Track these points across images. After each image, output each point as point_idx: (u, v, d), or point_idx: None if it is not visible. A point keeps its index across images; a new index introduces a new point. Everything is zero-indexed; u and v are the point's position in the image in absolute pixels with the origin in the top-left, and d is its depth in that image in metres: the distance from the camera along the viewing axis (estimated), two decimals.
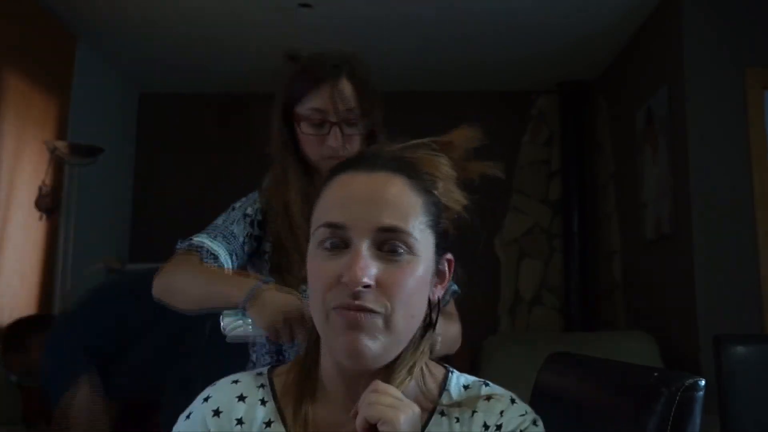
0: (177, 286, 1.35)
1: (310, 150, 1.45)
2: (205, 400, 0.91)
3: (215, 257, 1.36)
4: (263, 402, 0.90)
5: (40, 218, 3.75)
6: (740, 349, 2.00)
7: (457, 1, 3.77)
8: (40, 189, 3.73)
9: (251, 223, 1.46)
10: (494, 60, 4.57)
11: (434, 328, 0.92)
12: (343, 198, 0.85)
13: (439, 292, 0.90)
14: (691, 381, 0.86)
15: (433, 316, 0.91)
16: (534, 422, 0.88)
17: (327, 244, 0.83)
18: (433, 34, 4.16)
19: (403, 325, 0.83)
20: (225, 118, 5.12)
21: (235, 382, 0.92)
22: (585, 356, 1.17)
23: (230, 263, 1.38)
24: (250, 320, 1.18)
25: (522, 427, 0.86)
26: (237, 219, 1.45)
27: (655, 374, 0.91)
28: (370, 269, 0.80)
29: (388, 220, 0.82)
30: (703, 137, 3.36)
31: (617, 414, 0.96)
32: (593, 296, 4.77)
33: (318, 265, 0.84)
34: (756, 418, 1.94)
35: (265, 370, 0.95)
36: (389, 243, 0.82)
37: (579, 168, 4.87)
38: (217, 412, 0.89)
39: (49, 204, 3.75)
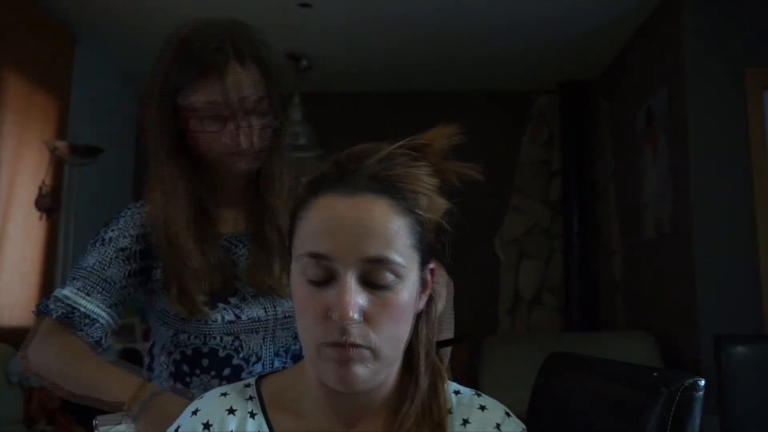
0: (52, 370, 1.20)
1: (206, 148, 1.22)
2: (194, 413, 0.89)
3: (92, 321, 1.19)
4: (252, 415, 0.89)
5: (40, 218, 3.75)
6: (740, 349, 2.00)
7: (457, 1, 3.77)
8: (40, 189, 3.73)
9: (129, 258, 1.24)
10: (494, 60, 4.57)
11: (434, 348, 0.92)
12: (325, 227, 0.82)
13: (422, 303, 0.89)
14: (691, 381, 0.86)
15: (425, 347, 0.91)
16: None
17: (312, 276, 0.82)
18: (434, 34, 4.16)
19: (391, 352, 0.84)
20: None
21: (224, 395, 0.91)
22: (585, 356, 1.17)
23: (112, 321, 1.22)
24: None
25: None
26: (111, 259, 1.22)
27: (655, 374, 0.91)
28: (357, 304, 0.80)
29: (375, 251, 0.80)
30: (703, 137, 3.36)
31: (617, 414, 0.96)
32: (593, 296, 4.77)
33: (305, 298, 0.83)
34: (756, 418, 1.94)
35: (252, 380, 0.94)
36: (376, 273, 0.80)
37: (579, 168, 4.87)
38: (207, 426, 0.88)
39: (49, 204, 3.75)
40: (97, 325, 1.20)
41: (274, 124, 1.24)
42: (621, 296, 4.40)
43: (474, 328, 4.46)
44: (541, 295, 4.99)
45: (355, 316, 0.79)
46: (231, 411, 0.89)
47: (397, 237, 0.81)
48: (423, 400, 0.88)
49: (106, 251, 1.23)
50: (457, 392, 0.94)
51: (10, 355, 3.09)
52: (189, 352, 1.25)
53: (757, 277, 3.23)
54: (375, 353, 0.81)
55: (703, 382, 0.86)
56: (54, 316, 1.20)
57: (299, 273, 0.84)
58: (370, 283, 0.81)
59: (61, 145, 3.77)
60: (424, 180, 0.86)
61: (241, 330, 1.25)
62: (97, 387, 1.12)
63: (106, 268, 1.22)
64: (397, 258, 0.81)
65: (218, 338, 1.24)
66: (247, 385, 0.93)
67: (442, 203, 0.88)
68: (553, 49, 4.36)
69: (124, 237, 1.25)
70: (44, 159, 3.77)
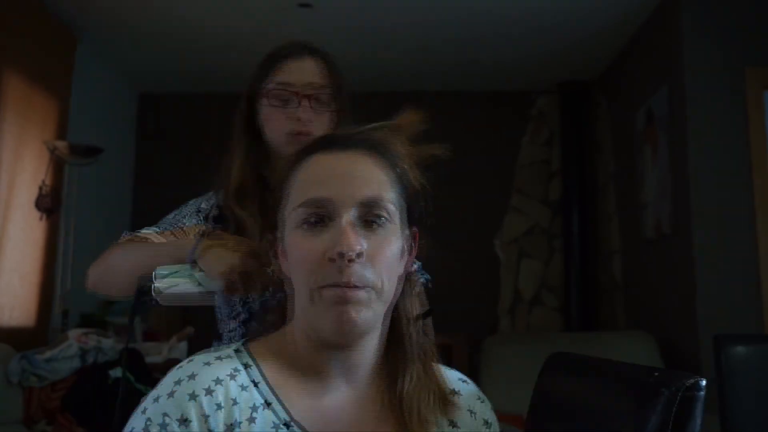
0: (113, 263, 1.25)
1: (276, 126, 1.36)
2: (191, 377, 0.82)
3: None
4: (255, 384, 0.85)
5: (40, 218, 3.75)
6: (740, 349, 2.00)
7: (457, 1, 3.77)
8: (40, 189, 3.73)
9: (206, 218, 1.37)
10: (494, 60, 4.57)
11: (424, 316, 0.97)
12: (322, 175, 0.87)
13: (408, 266, 0.93)
14: (692, 381, 0.86)
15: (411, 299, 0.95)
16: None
17: (311, 220, 0.85)
18: (433, 34, 4.16)
19: (389, 290, 0.87)
20: (225, 119, 5.11)
21: (219, 359, 0.85)
22: (585, 356, 1.17)
23: None
24: (197, 275, 1.03)
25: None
26: (189, 213, 1.37)
27: (656, 374, 0.91)
28: (359, 239, 0.83)
29: (369, 192, 0.86)
30: (703, 137, 3.36)
31: (617, 414, 0.96)
32: (593, 296, 4.77)
33: (300, 244, 0.85)
34: (756, 418, 1.94)
35: (240, 346, 0.89)
36: (371, 214, 0.86)
37: (579, 168, 4.87)
38: (209, 391, 0.81)
39: (49, 204, 3.75)
40: None
41: (332, 113, 1.37)
42: (621, 296, 4.40)
43: (474, 328, 4.47)
44: (541, 295, 4.99)
45: (358, 247, 0.82)
46: (232, 376, 0.84)
47: (385, 184, 0.88)
48: (418, 368, 0.91)
49: (185, 209, 1.39)
50: (463, 381, 0.98)
51: (10, 355, 3.09)
52: (256, 306, 1.28)
53: (757, 277, 3.23)
54: (376, 291, 0.84)
55: (704, 382, 0.86)
56: (126, 236, 1.30)
57: (292, 227, 0.87)
58: (366, 225, 0.85)
59: (61, 145, 3.77)
60: (403, 147, 0.94)
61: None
62: (164, 254, 1.17)
63: (182, 219, 1.35)
64: (389, 198, 0.87)
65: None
66: (238, 350, 0.88)
67: (417, 174, 0.94)
68: (553, 49, 4.36)
69: (204, 202, 1.40)
70: (44, 159, 3.77)
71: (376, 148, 0.91)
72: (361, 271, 0.83)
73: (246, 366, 0.86)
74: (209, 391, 0.81)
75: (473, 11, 3.87)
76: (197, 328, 3.61)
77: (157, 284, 1.04)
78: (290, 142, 1.34)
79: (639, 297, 4.13)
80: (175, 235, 1.30)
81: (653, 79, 3.82)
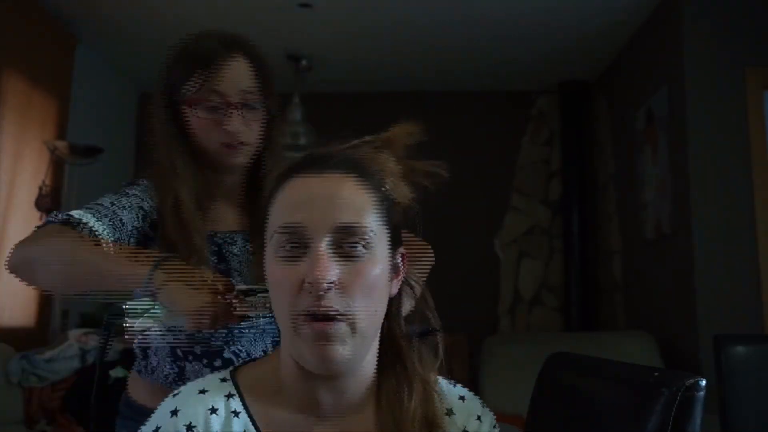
0: (44, 255, 1.11)
1: (206, 137, 1.27)
2: (173, 413, 0.86)
3: (96, 237, 1.14)
4: (236, 414, 0.87)
5: (40, 218, 3.75)
6: (740, 349, 2.00)
7: (457, 1, 3.77)
8: (40, 189, 3.73)
9: (144, 218, 1.26)
10: (494, 60, 4.57)
11: (421, 336, 0.94)
12: (297, 200, 0.84)
13: (395, 288, 0.91)
14: (691, 381, 0.86)
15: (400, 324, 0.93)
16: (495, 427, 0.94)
17: (286, 248, 0.83)
18: (433, 34, 4.16)
19: (367, 324, 0.84)
20: None
21: (202, 392, 0.88)
22: (585, 356, 1.17)
23: None
24: (159, 311, 0.98)
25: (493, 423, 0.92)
26: (129, 207, 1.25)
27: (656, 374, 0.91)
28: (332, 268, 0.81)
29: (346, 218, 0.82)
30: (703, 137, 3.36)
31: (618, 414, 0.96)
32: (593, 296, 4.77)
33: (278, 272, 0.84)
34: (756, 419, 1.94)
35: (227, 374, 0.91)
36: (348, 241, 0.82)
37: (579, 168, 4.87)
38: (190, 427, 0.84)
39: (49, 204, 3.75)
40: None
41: (264, 116, 1.30)
42: (621, 296, 4.40)
43: (474, 328, 4.47)
44: (541, 295, 4.99)
45: (329, 278, 0.80)
46: (213, 411, 0.86)
47: (365, 209, 0.84)
48: (417, 388, 0.89)
49: (124, 200, 1.25)
50: (462, 398, 0.95)
51: (10, 355, 3.09)
52: (182, 336, 1.23)
53: (757, 277, 3.23)
54: (352, 325, 0.82)
55: (704, 382, 0.86)
56: (59, 218, 1.17)
57: (272, 253, 0.85)
58: (342, 253, 0.82)
59: (61, 145, 3.77)
60: (388, 163, 0.90)
61: (234, 325, 1.24)
62: (113, 269, 1.05)
63: (120, 210, 1.23)
64: (367, 225, 0.83)
65: None
66: (224, 380, 0.90)
67: (407, 191, 0.90)
68: (553, 49, 4.36)
69: (144, 201, 1.28)
70: (44, 159, 3.77)
71: (357, 169, 0.87)
72: (335, 301, 0.81)
73: (229, 396, 0.88)
74: (190, 428, 0.84)
75: (473, 11, 3.86)
76: None
77: (132, 323, 0.98)
78: (224, 153, 1.28)
79: (639, 297, 4.13)
80: (114, 228, 1.19)
81: (653, 79, 3.82)
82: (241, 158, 1.30)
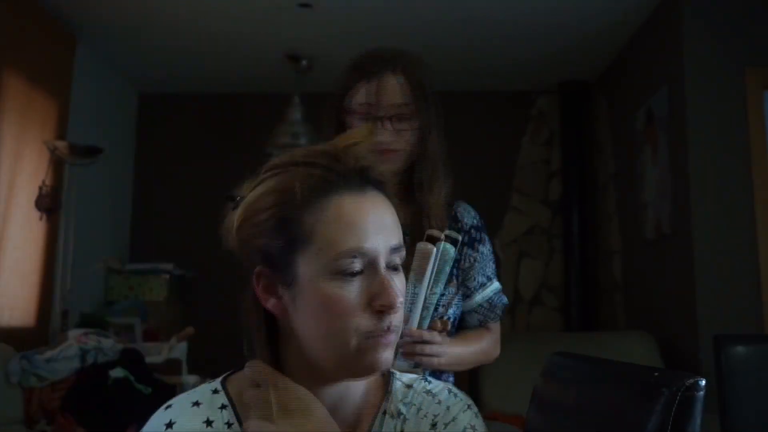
0: None
1: None
2: (169, 425, 0.85)
3: None
4: (229, 425, 0.87)
5: (40, 218, 3.75)
6: (740, 349, 2.00)
7: (457, 1, 3.77)
8: (40, 189, 3.72)
9: None
10: (495, 60, 4.57)
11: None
12: (356, 223, 0.83)
13: None
14: (691, 381, 0.86)
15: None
16: (476, 415, 0.92)
17: (351, 269, 0.83)
18: (434, 34, 4.16)
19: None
20: (225, 118, 5.12)
21: (196, 404, 0.88)
22: (585, 356, 1.17)
23: None
24: None
25: (472, 422, 0.90)
26: None
27: (655, 374, 0.91)
28: (397, 289, 0.85)
29: (396, 240, 0.87)
30: (703, 137, 3.36)
31: (617, 414, 0.96)
32: (593, 296, 4.77)
33: (336, 295, 0.82)
34: (756, 418, 1.94)
35: (218, 385, 0.91)
36: (394, 260, 0.86)
37: (579, 168, 4.87)
38: None
39: (49, 204, 3.75)
40: None
41: (417, 126, 1.45)
42: (621, 296, 4.40)
43: None
44: (541, 295, 4.99)
45: (401, 299, 0.85)
46: (209, 423, 0.86)
47: (399, 227, 0.89)
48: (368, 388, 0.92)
49: None
50: (409, 385, 0.94)
51: (10, 355, 3.09)
52: None
53: (757, 277, 3.23)
54: (397, 333, 0.87)
55: (703, 382, 0.86)
56: None
57: (331, 272, 0.83)
58: (391, 269, 0.86)
59: (61, 145, 3.77)
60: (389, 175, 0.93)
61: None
62: None
63: None
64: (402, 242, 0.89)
65: None
66: (216, 391, 0.90)
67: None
68: (553, 49, 4.36)
69: None
70: (44, 159, 3.77)
71: (379, 187, 0.89)
72: (396, 318, 0.85)
73: (222, 407, 0.88)
74: None
75: (473, 11, 3.86)
76: (197, 328, 3.60)
77: None
78: (377, 158, 1.36)
79: (639, 297, 4.13)
80: None
81: (653, 79, 3.82)
82: (390, 165, 1.40)
